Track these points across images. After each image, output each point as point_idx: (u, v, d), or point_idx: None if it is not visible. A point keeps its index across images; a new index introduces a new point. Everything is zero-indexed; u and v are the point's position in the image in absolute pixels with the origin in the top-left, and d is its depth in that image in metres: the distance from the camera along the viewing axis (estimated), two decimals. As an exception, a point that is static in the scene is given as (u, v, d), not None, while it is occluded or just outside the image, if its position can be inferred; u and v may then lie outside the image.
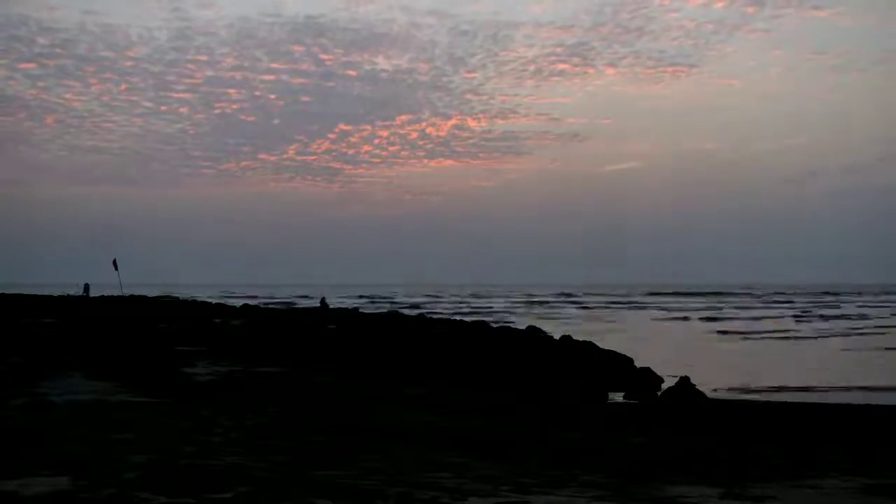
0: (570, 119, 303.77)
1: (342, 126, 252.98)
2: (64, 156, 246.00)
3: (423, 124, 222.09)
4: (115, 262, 47.82)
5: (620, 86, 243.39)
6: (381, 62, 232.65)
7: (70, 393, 13.86)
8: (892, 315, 62.89)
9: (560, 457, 9.54)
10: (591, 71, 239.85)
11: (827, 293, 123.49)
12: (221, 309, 46.97)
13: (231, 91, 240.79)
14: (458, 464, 9.00)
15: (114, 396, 13.66)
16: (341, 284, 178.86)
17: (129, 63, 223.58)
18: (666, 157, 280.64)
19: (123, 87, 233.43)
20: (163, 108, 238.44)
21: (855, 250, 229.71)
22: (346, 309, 54.37)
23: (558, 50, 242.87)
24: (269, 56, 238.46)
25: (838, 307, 78.36)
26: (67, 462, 8.34)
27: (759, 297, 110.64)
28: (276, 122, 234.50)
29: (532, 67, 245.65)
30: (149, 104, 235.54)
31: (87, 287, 58.88)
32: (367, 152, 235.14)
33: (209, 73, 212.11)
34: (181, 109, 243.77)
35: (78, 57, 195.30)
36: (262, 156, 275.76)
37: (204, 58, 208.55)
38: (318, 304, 49.83)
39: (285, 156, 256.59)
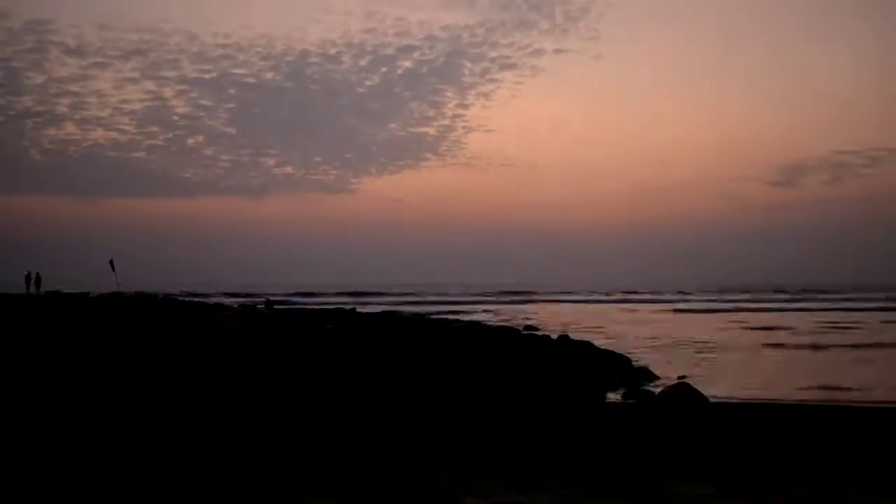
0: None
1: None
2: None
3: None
4: (111, 263, 47.90)
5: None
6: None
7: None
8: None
9: (559, 457, 9.55)
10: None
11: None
12: (219, 309, 47.06)
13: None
14: (457, 463, 9.02)
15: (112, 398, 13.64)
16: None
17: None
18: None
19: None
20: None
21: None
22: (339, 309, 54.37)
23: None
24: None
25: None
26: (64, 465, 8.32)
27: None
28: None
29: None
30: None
31: (37, 277, 57.37)
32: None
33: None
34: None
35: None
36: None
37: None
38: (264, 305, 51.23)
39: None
